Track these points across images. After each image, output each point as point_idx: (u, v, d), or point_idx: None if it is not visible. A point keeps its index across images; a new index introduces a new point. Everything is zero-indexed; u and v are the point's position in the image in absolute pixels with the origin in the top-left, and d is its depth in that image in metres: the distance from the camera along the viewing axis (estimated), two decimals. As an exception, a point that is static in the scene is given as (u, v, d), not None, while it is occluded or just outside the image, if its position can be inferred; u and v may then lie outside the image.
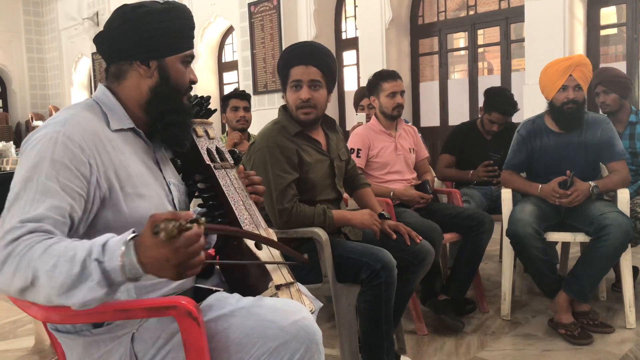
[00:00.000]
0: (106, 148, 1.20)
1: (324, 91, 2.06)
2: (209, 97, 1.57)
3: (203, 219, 0.97)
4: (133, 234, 0.99)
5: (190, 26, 1.34)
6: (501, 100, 3.21)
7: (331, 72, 2.07)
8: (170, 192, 1.34)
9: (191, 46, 1.34)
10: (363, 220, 2.05)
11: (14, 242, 1.01)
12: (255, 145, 2.08)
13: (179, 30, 1.29)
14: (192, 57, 1.35)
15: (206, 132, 1.50)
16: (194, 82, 1.36)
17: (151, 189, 1.26)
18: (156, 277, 0.98)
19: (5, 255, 1.01)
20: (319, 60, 2.03)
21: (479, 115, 3.42)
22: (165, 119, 1.30)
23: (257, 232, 1.37)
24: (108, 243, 0.99)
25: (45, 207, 1.06)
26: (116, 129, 1.25)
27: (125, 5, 1.29)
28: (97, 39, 1.31)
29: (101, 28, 1.33)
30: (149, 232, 0.94)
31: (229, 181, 1.43)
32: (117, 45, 1.28)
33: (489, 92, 3.29)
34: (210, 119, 1.56)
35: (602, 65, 5.10)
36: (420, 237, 2.15)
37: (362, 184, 2.39)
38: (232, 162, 1.51)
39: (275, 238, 1.39)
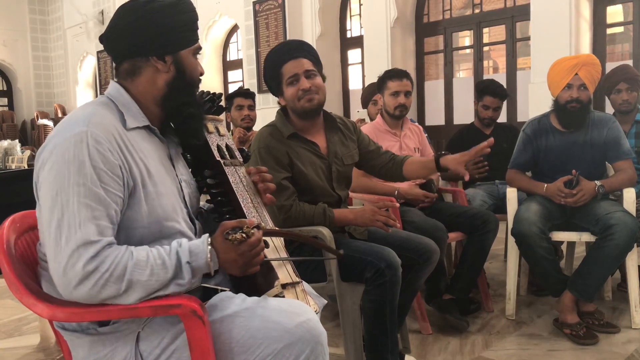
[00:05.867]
0: (127, 147, 1.20)
1: (319, 78, 2.06)
2: (220, 94, 1.57)
3: (263, 224, 1.22)
4: (209, 238, 1.18)
5: (195, 19, 1.35)
6: (490, 84, 3.34)
7: (318, 61, 2.08)
8: (182, 190, 1.34)
9: (198, 38, 1.36)
10: (364, 219, 2.03)
11: (96, 257, 1.08)
12: (250, 149, 2.09)
13: (187, 24, 1.30)
14: (200, 49, 1.37)
15: (217, 128, 1.50)
16: (202, 73, 1.38)
17: (167, 186, 1.27)
18: (225, 271, 1.23)
19: (89, 270, 1.08)
20: (306, 52, 2.04)
21: (474, 108, 3.44)
22: (184, 112, 1.32)
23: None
24: (191, 247, 1.17)
25: (102, 216, 1.11)
26: (132, 127, 1.25)
27: (134, 2, 1.28)
28: (106, 37, 1.29)
29: (106, 26, 1.33)
30: (221, 238, 1.17)
31: (238, 178, 1.43)
32: (131, 42, 1.26)
33: (479, 83, 3.45)
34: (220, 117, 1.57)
35: (608, 63, 5.08)
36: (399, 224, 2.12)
37: (402, 160, 2.26)
38: (242, 159, 1.51)
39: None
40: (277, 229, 1.41)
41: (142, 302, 1.13)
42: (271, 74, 2.06)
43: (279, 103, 2.11)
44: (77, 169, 1.10)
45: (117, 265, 1.09)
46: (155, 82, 1.29)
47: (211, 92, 1.55)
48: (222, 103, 1.59)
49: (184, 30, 1.29)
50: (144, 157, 1.23)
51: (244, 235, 1.15)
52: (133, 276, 1.09)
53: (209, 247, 1.16)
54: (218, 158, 1.42)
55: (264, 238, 1.22)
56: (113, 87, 1.30)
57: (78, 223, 1.08)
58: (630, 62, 5.03)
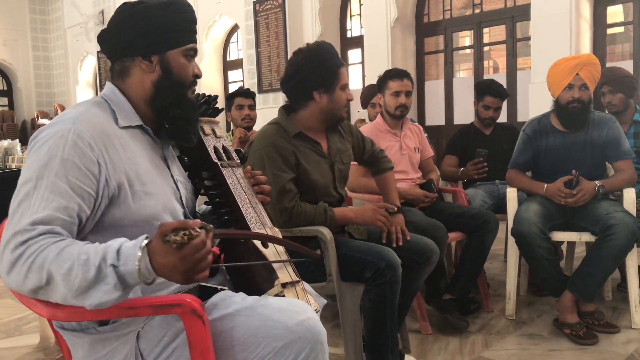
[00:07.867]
0: (114, 146, 1.20)
1: None
2: (216, 96, 1.58)
3: (210, 225, 1.03)
4: (146, 240, 1.03)
5: (190, 19, 1.33)
6: (491, 84, 3.35)
7: None
8: (178, 190, 1.34)
9: (193, 40, 1.33)
10: (365, 217, 2.03)
11: (25, 244, 1.04)
12: (253, 146, 2.09)
13: (178, 24, 1.29)
14: (194, 50, 1.34)
15: (213, 130, 1.51)
16: (198, 76, 1.35)
17: (158, 187, 1.26)
18: (167, 280, 1.04)
19: (15, 257, 1.03)
20: None
21: (475, 108, 3.45)
22: (170, 113, 1.30)
23: (263, 230, 1.38)
24: (122, 248, 1.03)
25: (54, 207, 1.07)
26: (124, 126, 1.26)
27: (125, 3, 1.30)
28: (100, 38, 1.32)
29: (106, 26, 1.33)
30: (159, 240, 1.00)
31: (236, 179, 1.44)
32: (119, 43, 1.28)
33: (480, 83, 3.47)
34: (217, 118, 1.57)
35: (608, 63, 5.08)
36: (408, 235, 2.16)
37: (384, 168, 2.36)
38: (238, 161, 1.52)
39: (281, 237, 1.39)
40: (232, 230, 1.33)
41: (123, 301, 1.06)
42: (324, 70, 2.03)
43: (312, 98, 2.04)
44: (45, 163, 1.10)
45: (40, 254, 1.02)
46: (143, 82, 1.29)
47: (206, 94, 1.55)
48: (219, 105, 1.59)
49: (172, 30, 1.28)
50: (132, 157, 1.23)
51: (185, 236, 0.98)
52: (52, 267, 1.02)
53: (141, 250, 1.01)
54: (215, 160, 1.43)
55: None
56: (108, 87, 1.31)
57: (29, 214, 1.06)
58: (630, 63, 5.03)
